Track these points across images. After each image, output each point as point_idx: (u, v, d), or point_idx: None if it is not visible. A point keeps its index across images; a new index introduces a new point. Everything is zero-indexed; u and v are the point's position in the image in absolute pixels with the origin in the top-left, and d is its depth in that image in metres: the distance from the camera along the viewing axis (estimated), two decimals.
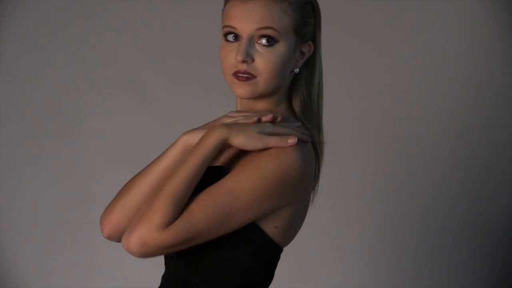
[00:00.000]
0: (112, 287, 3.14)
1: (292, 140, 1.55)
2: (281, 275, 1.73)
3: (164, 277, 1.66)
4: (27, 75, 3.21)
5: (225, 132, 1.54)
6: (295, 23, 1.61)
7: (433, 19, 3.07)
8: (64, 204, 3.18)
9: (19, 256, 3.17)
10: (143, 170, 1.66)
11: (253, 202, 1.52)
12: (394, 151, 3.07)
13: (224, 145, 1.55)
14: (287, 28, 1.60)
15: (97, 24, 3.20)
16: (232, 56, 1.60)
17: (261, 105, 1.66)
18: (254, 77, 1.60)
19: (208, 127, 1.61)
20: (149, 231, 1.48)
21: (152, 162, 1.66)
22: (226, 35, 1.62)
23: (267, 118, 1.59)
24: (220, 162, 1.65)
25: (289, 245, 1.66)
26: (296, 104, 1.68)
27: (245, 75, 1.60)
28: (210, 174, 1.56)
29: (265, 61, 1.59)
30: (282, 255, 1.65)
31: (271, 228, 1.58)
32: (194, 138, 1.61)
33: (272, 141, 1.54)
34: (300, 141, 1.57)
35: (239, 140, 1.54)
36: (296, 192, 1.58)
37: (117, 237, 1.67)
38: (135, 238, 1.49)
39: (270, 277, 1.64)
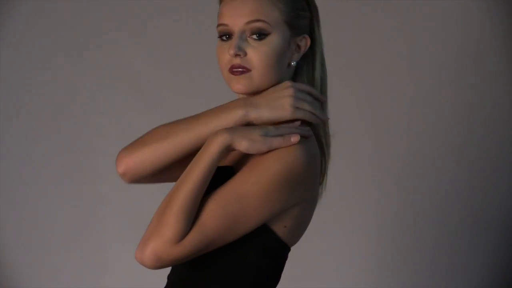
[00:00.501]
0: (118, 287, 3.16)
1: (295, 138, 1.55)
2: (288, 275, 1.73)
3: (170, 277, 1.67)
4: (33, 75, 3.23)
5: (228, 137, 1.54)
6: (287, 15, 1.62)
7: (441, 18, 3.07)
8: (70, 204, 3.21)
9: (24, 255, 3.19)
10: (182, 122, 1.66)
11: (262, 206, 1.53)
12: (397, 150, 3.07)
13: (228, 150, 1.55)
14: (279, 20, 1.61)
15: (104, 24, 3.22)
16: (227, 53, 1.61)
17: None
18: (248, 70, 1.60)
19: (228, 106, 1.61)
20: (162, 246, 1.49)
21: (193, 120, 1.64)
22: (220, 35, 1.63)
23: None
24: (228, 161, 1.66)
25: (295, 245, 1.66)
26: None
27: (240, 69, 1.60)
28: (219, 175, 1.56)
29: (258, 53, 1.59)
30: (289, 255, 1.65)
31: (280, 227, 1.58)
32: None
33: (276, 142, 1.55)
34: (302, 137, 1.57)
35: (242, 145, 1.54)
36: (303, 190, 1.58)
37: (130, 178, 1.69)
38: (149, 253, 1.50)
39: (278, 277, 1.64)
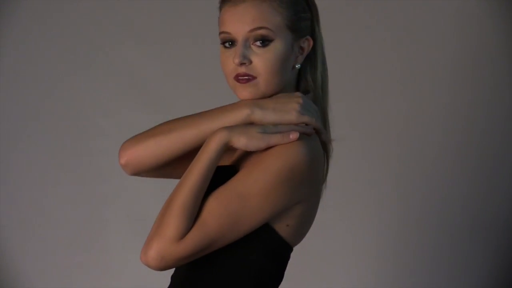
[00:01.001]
0: (121, 287, 3.16)
1: (293, 135, 1.55)
2: (288, 275, 1.74)
3: (173, 277, 1.67)
4: (36, 77, 3.22)
5: (226, 135, 1.54)
6: (289, 19, 1.61)
7: (441, 17, 3.07)
8: (73, 204, 3.20)
9: (27, 256, 3.19)
10: (187, 118, 1.66)
11: (264, 204, 1.53)
12: (397, 150, 3.07)
13: (227, 148, 1.56)
14: (281, 26, 1.60)
15: (108, 25, 3.21)
16: (231, 61, 1.60)
17: None
18: (254, 78, 1.60)
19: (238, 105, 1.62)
20: (165, 245, 1.50)
21: (199, 116, 1.65)
22: (223, 42, 1.63)
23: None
24: (231, 161, 1.67)
25: (297, 246, 1.66)
26: None
27: (245, 77, 1.60)
28: (222, 175, 1.57)
29: (262, 60, 1.59)
30: (291, 255, 1.65)
31: (282, 226, 1.58)
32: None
33: (274, 139, 1.55)
34: (303, 134, 1.57)
35: (241, 142, 1.55)
36: (306, 187, 1.58)
37: (132, 169, 1.70)
38: (153, 254, 1.50)
39: (280, 277, 1.64)
